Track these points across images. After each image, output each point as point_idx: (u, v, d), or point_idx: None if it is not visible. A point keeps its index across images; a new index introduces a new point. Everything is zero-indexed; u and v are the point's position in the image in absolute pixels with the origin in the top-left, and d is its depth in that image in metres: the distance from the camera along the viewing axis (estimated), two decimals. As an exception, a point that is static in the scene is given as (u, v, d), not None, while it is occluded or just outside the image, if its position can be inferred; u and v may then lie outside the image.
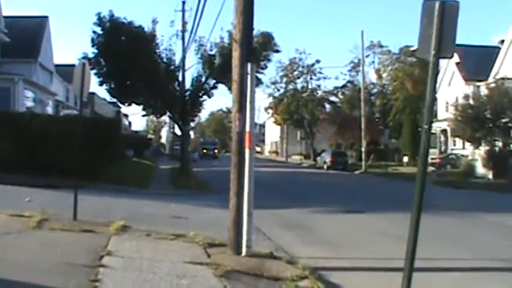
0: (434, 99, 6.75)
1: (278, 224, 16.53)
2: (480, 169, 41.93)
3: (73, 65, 62.19)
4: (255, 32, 37.60)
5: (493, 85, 43.63)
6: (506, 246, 14.23)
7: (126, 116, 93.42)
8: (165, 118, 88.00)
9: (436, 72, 6.29)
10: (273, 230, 14.92)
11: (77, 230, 11.55)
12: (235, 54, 11.26)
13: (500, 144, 41.89)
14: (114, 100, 47.51)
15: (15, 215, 12.91)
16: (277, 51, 39.82)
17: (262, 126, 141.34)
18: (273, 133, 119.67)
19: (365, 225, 17.35)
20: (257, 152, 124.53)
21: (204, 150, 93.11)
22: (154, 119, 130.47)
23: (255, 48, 37.00)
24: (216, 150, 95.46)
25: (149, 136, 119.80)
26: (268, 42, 37.58)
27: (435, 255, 12.15)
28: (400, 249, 13.11)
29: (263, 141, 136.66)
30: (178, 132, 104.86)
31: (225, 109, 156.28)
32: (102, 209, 16.40)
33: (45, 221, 12.40)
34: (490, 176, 40.14)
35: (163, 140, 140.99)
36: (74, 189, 13.39)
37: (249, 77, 10.93)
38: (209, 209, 20.38)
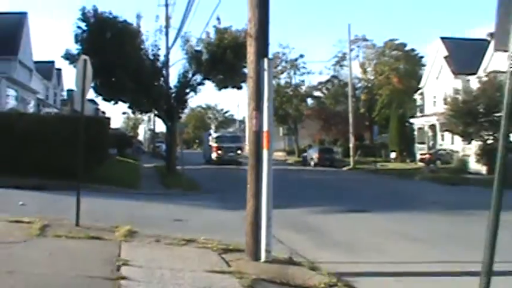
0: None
1: (285, 225, 15.95)
2: (473, 165, 41.88)
3: (51, 62, 61.83)
4: (240, 27, 37.55)
5: (485, 79, 43.45)
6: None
7: (103, 113, 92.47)
8: (143, 115, 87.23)
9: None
10: (282, 232, 14.31)
11: (83, 237, 11.03)
12: (251, 50, 10.78)
13: (495, 138, 41.69)
14: (92, 98, 46.85)
15: (14, 221, 12.39)
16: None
17: (242, 122, 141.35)
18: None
19: (374, 226, 16.99)
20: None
21: (219, 152, 59.94)
22: (132, 115, 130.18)
23: (242, 44, 36.68)
24: (239, 152, 61.03)
25: (131, 134, 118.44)
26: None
27: (463, 258, 11.80)
28: (417, 251, 12.94)
29: (245, 137, 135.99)
30: (158, 129, 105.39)
31: (204, 105, 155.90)
32: (100, 212, 15.90)
33: (47, 227, 11.88)
34: (484, 172, 40.02)
35: (140, 137, 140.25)
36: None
37: (265, 73, 10.47)
38: (208, 210, 20.08)
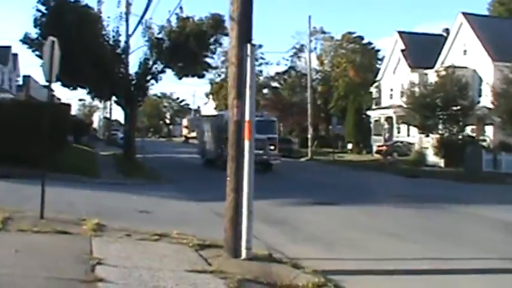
0: None
1: (255, 218, 15.31)
2: (431, 157, 41.79)
3: (8, 47, 59.77)
4: (204, 14, 36.67)
5: (443, 73, 43.43)
6: (504, 242, 13.46)
7: (59, 99, 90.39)
8: (102, 103, 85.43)
9: None
10: (254, 226, 13.72)
11: (49, 231, 10.16)
12: (233, 34, 10.02)
13: (450, 132, 41.75)
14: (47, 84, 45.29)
15: (-29, 213, 11.41)
16: (228, 34, 38.48)
17: (198, 111, 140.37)
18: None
19: (345, 219, 16.53)
20: (193, 138, 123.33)
21: None
22: (87, 103, 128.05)
23: (205, 31, 35.75)
24: (272, 147, 36.58)
25: (88, 121, 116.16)
26: (219, 25, 36.04)
27: (444, 254, 11.40)
28: (398, 247, 12.38)
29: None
30: (114, 117, 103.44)
31: (159, 94, 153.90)
32: (63, 202, 15.05)
33: (9, 220, 10.96)
34: (442, 164, 40.03)
35: (95, 124, 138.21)
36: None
37: (248, 59, 9.73)
38: (172, 201, 19.32)
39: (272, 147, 35.70)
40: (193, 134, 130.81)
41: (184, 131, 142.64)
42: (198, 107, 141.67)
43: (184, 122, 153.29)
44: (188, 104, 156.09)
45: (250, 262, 9.34)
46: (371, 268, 10.24)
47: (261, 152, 32.54)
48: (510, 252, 11.98)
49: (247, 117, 9.70)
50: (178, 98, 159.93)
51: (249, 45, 9.76)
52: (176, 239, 10.77)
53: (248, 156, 9.68)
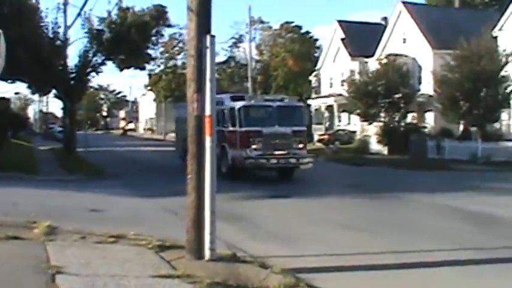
0: None
1: (209, 214, 14.93)
2: (374, 145, 42.03)
3: None
4: (146, 6, 35.95)
5: (385, 61, 43.66)
6: (469, 232, 13.32)
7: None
8: (42, 97, 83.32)
9: None
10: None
11: (1, 238, 9.49)
12: (191, 25, 9.52)
13: (393, 119, 42.03)
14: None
15: None
16: (170, 25, 37.96)
17: (134, 103, 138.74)
18: (148, 110, 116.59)
19: (302, 213, 16.24)
20: (131, 130, 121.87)
21: (255, 145, 23.96)
22: (23, 96, 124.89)
23: (147, 22, 35.05)
24: (301, 145, 24.83)
25: (28, 116, 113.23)
26: (161, 16, 35.49)
27: (409, 247, 11.22)
28: (356, 239, 12.18)
29: (137, 118, 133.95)
30: (49, 110, 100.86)
31: (96, 86, 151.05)
32: (7, 203, 14.37)
33: (-49, 226, 10.24)
34: (385, 152, 40.30)
35: (30, 118, 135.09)
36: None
37: (208, 51, 9.27)
38: (121, 199, 18.64)
39: (300, 145, 24.95)
40: (131, 126, 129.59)
41: (122, 123, 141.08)
42: (135, 99, 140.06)
43: (122, 114, 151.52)
44: (125, 96, 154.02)
45: (215, 263, 8.91)
46: (337, 264, 9.92)
47: (283, 152, 24.23)
48: (472, 242, 11.91)
49: (208, 112, 9.27)
50: (114, 90, 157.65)
51: (208, 37, 9.32)
52: (134, 241, 10.24)
53: (210, 153, 9.24)
